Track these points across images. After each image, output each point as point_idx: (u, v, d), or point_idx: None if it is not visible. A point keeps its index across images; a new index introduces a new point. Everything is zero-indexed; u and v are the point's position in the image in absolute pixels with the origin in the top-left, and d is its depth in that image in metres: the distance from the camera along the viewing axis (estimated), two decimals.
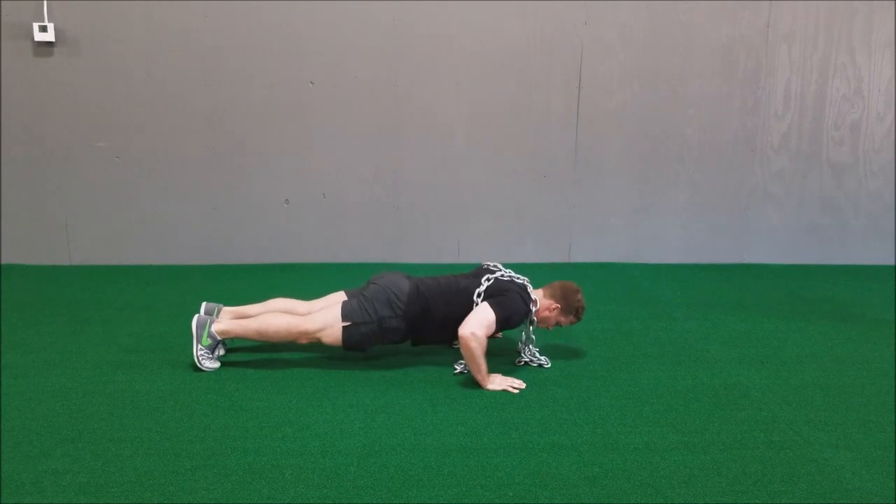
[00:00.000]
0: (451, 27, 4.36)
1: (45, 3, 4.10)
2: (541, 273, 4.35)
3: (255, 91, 4.34)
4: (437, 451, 2.35)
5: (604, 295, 4.07)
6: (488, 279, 2.96)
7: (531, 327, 3.04)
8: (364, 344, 2.94)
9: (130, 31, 4.20)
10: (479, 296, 2.92)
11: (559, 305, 3.01)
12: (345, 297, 3.00)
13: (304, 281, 4.21)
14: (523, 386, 2.83)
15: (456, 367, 2.97)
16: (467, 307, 2.90)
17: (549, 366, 3.06)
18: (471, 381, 2.87)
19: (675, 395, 2.81)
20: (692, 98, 4.57)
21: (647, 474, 2.24)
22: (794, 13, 4.49)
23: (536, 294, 3.02)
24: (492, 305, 2.84)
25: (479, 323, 2.79)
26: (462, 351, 2.81)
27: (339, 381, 2.87)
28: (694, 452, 2.38)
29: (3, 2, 4.10)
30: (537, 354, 3.09)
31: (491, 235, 4.64)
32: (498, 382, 2.83)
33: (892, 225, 4.81)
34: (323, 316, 2.91)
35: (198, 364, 2.90)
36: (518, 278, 3.02)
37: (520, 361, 3.08)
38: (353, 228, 4.56)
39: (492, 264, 3.11)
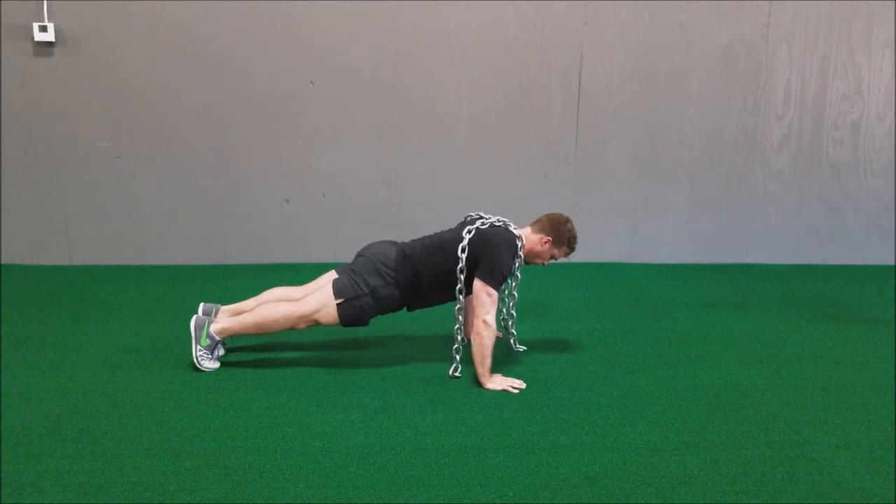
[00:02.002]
0: (451, 27, 4.36)
1: (45, 3, 4.10)
2: (541, 272, 4.36)
3: (255, 91, 4.34)
4: (437, 451, 2.35)
5: (604, 295, 4.07)
6: (469, 231, 2.91)
7: (518, 263, 2.97)
8: (362, 317, 2.92)
9: (130, 31, 4.20)
10: (462, 251, 2.87)
11: (550, 238, 2.98)
12: (336, 276, 3.00)
13: (304, 281, 4.18)
14: (523, 386, 2.83)
15: (453, 373, 2.95)
16: (454, 262, 2.89)
17: (520, 350, 3.17)
18: (471, 382, 2.87)
19: (675, 395, 2.81)
20: (692, 98, 4.57)
21: (647, 474, 2.24)
22: (794, 13, 4.49)
23: (523, 231, 3.00)
24: (484, 280, 2.81)
25: (485, 308, 2.79)
26: (472, 339, 2.82)
27: (339, 381, 2.87)
28: (694, 452, 2.38)
29: (3, 2, 4.10)
30: (511, 326, 3.19)
31: None
32: (498, 382, 2.83)
33: (892, 225, 4.81)
34: (316, 297, 2.90)
35: (197, 365, 2.90)
36: (498, 221, 2.96)
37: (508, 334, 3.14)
38: (353, 228, 4.56)
39: (475, 214, 3.06)
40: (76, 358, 3.04)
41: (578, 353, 3.21)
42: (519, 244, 2.92)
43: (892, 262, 4.85)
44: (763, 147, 4.67)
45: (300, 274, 4.33)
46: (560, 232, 2.99)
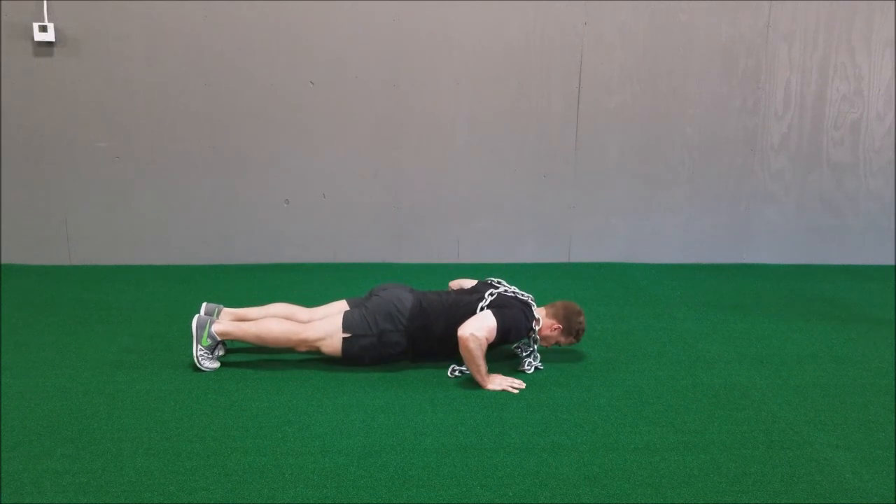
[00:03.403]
0: (451, 27, 4.36)
1: (45, 3, 4.10)
2: (540, 273, 4.36)
3: (255, 91, 4.34)
4: (437, 451, 2.35)
5: (604, 295, 4.07)
6: (492, 293, 2.96)
7: (535, 346, 3.02)
8: (363, 357, 2.93)
9: (130, 31, 4.20)
10: (481, 309, 2.91)
11: (560, 326, 3.00)
12: (346, 307, 3.00)
13: (304, 281, 4.21)
14: (523, 386, 2.83)
15: (452, 372, 2.96)
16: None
17: (542, 367, 3.06)
18: (471, 381, 2.87)
19: (675, 395, 2.81)
20: (692, 98, 4.57)
21: (647, 474, 2.25)
22: (794, 13, 4.49)
23: (539, 313, 3.01)
24: (494, 313, 2.84)
25: (479, 326, 2.78)
26: (461, 352, 2.80)
27: (339, 381, 2.87)
28: (694, 452, 2.38)
29: (3, 2, 4.10)
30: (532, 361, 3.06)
31: (491, 235, 4.64)
32: (498, 382, 2.83)
33: (892, 225, 4.81)
34: (323, 325, 2.91)
35: (197, 364, 2.90)
36: (523, 295, 3.01)
37: (529, 368, 3.03)
38: (353, 228, 4.56)
39: (496, 280, 3.11)
40: (76, 358, 3.04)
41: (578, 353, 3.21)
42: (536, 327, 2.95)
43: (892, 262, 4.85)
44: (763, 147, 4.67)
45: (300, 274, 4.35)
46: (571, 322, 3.01)
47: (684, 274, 4.54)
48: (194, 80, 4.29)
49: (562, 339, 3.04)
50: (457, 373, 2.94)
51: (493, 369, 2.90)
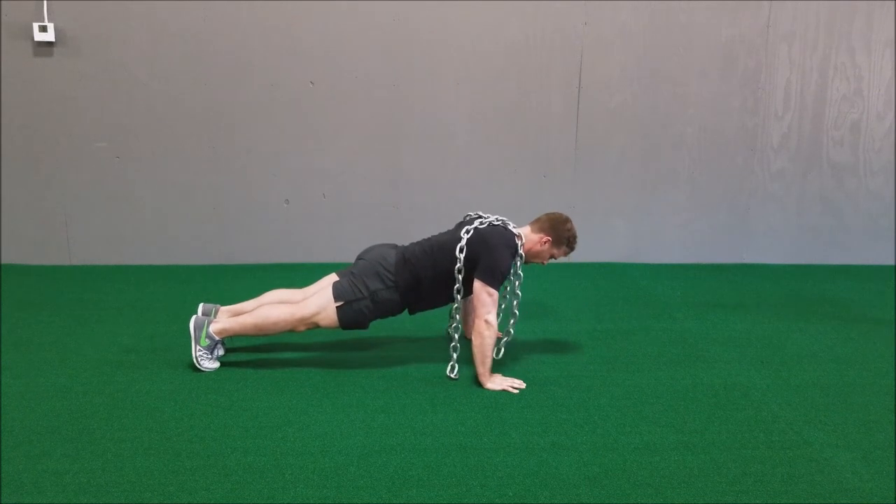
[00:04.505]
0: (451, 27, 4.36)
1: (45, 3, 4.10)
2: (541, 272, 4.36)
3: (255, 91, 4.34)
4: (437, 451, 2.35)
5: (604, 295, 4.07)
6: (468, 231, 2.90)
7: (519, 262, 2.96)
8: (361, 320, 2.93)
9: (130, 32, 4.20)
10: (461, 251, 2.86)
11: (550, 238, 2.98)
12: (336, 279, 3.00)
13: (304, 281, 4.17)
14: (523, 386, 2.83)
15: (454, 375, 2.96)
16: (453, 263, 2.88)
17: (508, 338, 3.09)
18: (471, 381, 2.87)
19: (675, 395, 2.81)
20: (692, 98, 4.56)
21: (647, 474, 2.25)
22: (794, 13, 4.49)
23: (522, 230, 2.99)
24: (483, 280, 2.81)
25: (486, 307, 2.79)
26: (473, 338, 2.82)
27: (339, 381, 2.87)
28: (694, 452, 2.38)
29: (3, 2, 4.10)
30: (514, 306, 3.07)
31: None
32: (498, 382, 2.83)
33: (892, 225, 4.80)
34: (316, 300, 2.90)
35: (197, 365, 2.90)
36: (496, 221, 2.94)
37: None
38: (353, 228, 4.56)
39: (473, 214, 3.06)
40: (76, 358, 3.04)
41: (578, 353, 3.21)
42: (518, 242, 2.92)
43: (892, 262, 4.85)
44: (763, 147, 4.66)
45: (300, 274, 4.34)
46: (559, 232, 2.99)
47: (684, 274, 4.54)
48: (194, 80, 4.29)
49: (555, 252, 3.01)
50: (454, 375, 2.93)
51: (494, 369, 2.90)
